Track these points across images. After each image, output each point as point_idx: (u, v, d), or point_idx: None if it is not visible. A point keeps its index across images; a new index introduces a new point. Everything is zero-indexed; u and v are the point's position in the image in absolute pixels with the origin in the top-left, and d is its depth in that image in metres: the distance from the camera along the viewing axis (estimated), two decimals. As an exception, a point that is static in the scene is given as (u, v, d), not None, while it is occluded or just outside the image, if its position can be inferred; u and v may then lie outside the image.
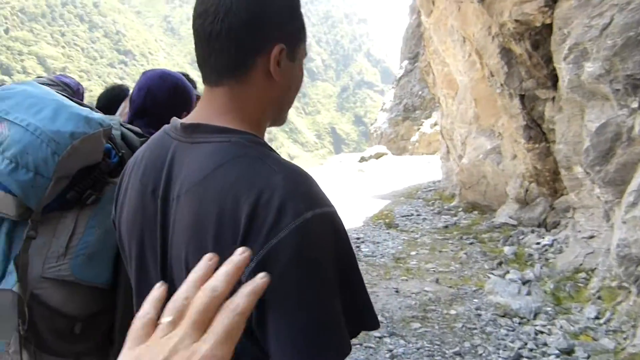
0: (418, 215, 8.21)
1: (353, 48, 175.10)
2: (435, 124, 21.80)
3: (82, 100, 1.75)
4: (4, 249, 1.30)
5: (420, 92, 26.47)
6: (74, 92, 1.74)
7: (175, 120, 0.93)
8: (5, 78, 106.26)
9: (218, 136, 0.84)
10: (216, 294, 0.43)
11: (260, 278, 0.45)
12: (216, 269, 0.45)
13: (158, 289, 0.48)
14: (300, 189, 0.77)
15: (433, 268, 5.22)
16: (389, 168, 16.94)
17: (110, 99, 2.40)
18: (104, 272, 1.34)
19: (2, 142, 1.27)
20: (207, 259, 0.47)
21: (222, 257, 0.47)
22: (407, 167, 16.45)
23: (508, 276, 4.60)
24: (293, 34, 0.92)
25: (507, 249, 5.43)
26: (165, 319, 0.44)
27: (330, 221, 0.76)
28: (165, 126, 0.96)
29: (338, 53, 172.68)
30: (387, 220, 7.97)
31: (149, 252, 0.88)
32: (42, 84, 1.55)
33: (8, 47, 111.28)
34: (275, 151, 0.86)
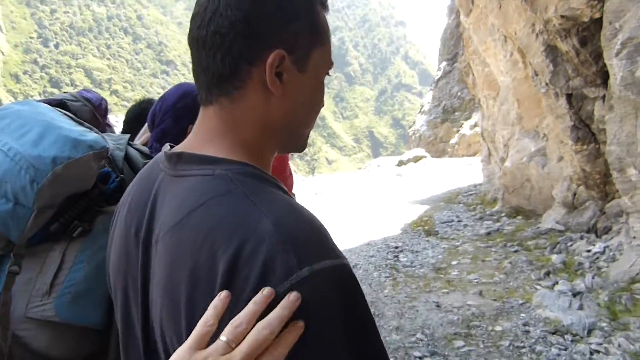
0: (459, 221, 7.92)
1: (390, 51, 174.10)
2: (476, 126, 21.29)
3: (104, 115, 1.66)
4: None
5: (459, 94, 25.98)
6: (96, 107, 1.62)
7: (165, 147, 0.81)
8: (54, 90, 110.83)
9: (201, 168, 0.71)
10: (269, 334, 0.47)
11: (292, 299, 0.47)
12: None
13: (222, 300, 0.49)
14: (296, 237, 0.60)
15: (476, 279, 4.96)
16: (427, 171, 16.61)
17: (138, 114, 2.35)
18: (94, 312, 1.17)
19: None
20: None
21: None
22: (446, 170, 16.08)
23: (557, 287, 4.30)
24: (299, 36, 0.75)
25: (555, 257, 5.11)
26: (224, 337, 0.48)
27: (336, 278, 0.59)
28: (159, 154, 0.83)
29: (375, 56, 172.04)
30: (426, 227, 7.73)
31: (133, 304, 0.75)
32: (64, 99, 1.48)
33: (57, 61, 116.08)
34: (275, 184, 0.72)
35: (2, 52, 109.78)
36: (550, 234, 5.99)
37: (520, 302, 4.20)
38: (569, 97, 5.39)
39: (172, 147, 0.81)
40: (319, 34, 0.77)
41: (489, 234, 6.79)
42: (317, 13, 0.76)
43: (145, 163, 1.28)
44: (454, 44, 27.56)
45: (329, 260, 0.59)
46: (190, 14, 0.74)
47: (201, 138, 0.76)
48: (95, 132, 1.27)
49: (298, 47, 0.74)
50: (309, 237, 0.61)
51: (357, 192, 13.51)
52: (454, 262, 5.65)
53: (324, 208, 10.20)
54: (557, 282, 4.44)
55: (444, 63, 28.57)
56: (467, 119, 24.57)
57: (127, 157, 1.37)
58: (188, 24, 0.75)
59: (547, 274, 4.74)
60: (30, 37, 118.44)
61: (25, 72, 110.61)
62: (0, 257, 1.18)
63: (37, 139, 1.16)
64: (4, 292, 1.14)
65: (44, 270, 1.17)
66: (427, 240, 6.91)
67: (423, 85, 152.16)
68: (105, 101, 1.71)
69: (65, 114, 1.31)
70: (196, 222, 0.63)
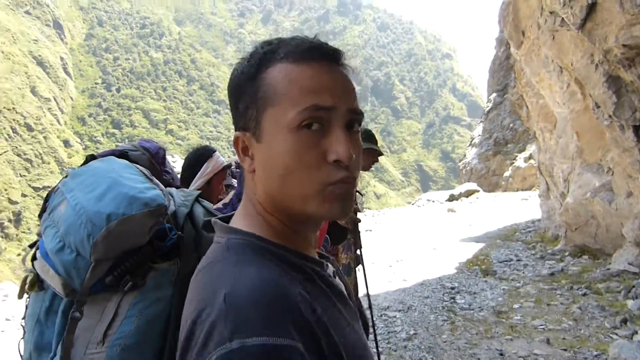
0: (518, 260, 7.53)
1: (437, 84, 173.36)
2: (530, 158, 20.57)
3: (162, 163, 1.74)
4: (59, 327, 1.26)
5: (511, 125, 25.31)
6: (153, 156, 1.71)
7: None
8: (116, 131, 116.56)
9: (220, 236, 0.80)
10: None
11: None
12: None
13: None
14: (239, 309, 0.64)
15: (542, 325, 4.62)
16: (481, 206, 16.08)
17: (194, 161, 2.56)
18: None
19: (59, 221, 1.26)
20: None
21: None
22: (501, 205, 15.52)
23: (637, 338, 3.93)
24: (248, 110, 0.78)
25: (631, 303, 4.70)
26: None
27: (262, 357, 0.60)
28: None
29: (422, 90, 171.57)
30: (483, 267, 7.37)
31: None
32: (125, 150, 1.57)
33: (119, 104, 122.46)
34: (274, 253, 0.76)
35: (71, 98, 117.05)
36: (623, 276, 5.56)
37: (595, 353, 3.85)
38: (636, 129, 5.08)
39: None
40: (266, 98, 0.76)
41: (552, 274, 6.39)
42: (262, 78, 0.77)
43: (206, 221, 1.25)
44: (504, 75, 27.08)
45: (263, 338, 0.60)
46: (240, 56, 0.76)
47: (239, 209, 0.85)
48: (160, 189, 1.32)
49: (250, 120, 0.77)
50: (253, 311, 0.63)
51: (408, 228, 13.19)
52: (515, 306, 5.32)
53: (376, 246, 9.97)
54: (636, 332, 4.06)
55: (494, 94, 28.05)
56: (520, 151, 23.82)
57: (191, 214, 1.38)
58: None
59: (624, 321, 4.35)
60: (96, 83, 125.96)
61: (90, 115, 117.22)
62: (69, 302, 1.25)
63: (101, 195, 1.23)
64: (68, 335, 1.20)
65: (102, 319, 1.22)
66: (485, 281, 6.58)
67: (472, 117, 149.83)
68: (163, 150, 1.79)
69: (140, 170, 1.38)
70: (195, 283, 0.74)
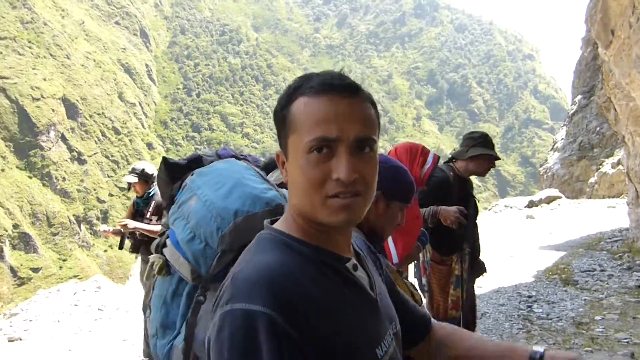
0: (602, 270, 7.15)
1: (518, 86, 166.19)
2: (619, 163, 19.30)
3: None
4: (183, 308, 1.42)
5: (598, 129, 23.87)
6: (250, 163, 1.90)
7: None
8: (195, 134, 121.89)
9: (262, 231, 1.03)
10: None
11: None
12: None
13: None
14: (235, 283, 0.86)
15: (626, 339, 4.39)
16: (563, 214, 15.31)
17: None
18: None
19: (189, 214, 1.43)
20: None
21: None
22: (584, 212, 14.69)
23: None
24: (281, 133, 0.97)
25: None
26: None
27: (238, 321, 0.81)
28: None
29: (501, 92, 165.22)
30: (563, 276, 7.07)
31: None
32: (201, 155, 1.71)
33: (198, 108, 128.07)
34: (289, 246, 0.95)
35: (155, 103, 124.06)
36: None
37: (684, 370, 3.63)
38: None
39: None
40: (291, 126, 0.94)
41: (640, 287, 6.03)
42: (289, 109, 0.95)
43: None
44: (591, 76, 25.56)
45: (244, 304, 0.82)
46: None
47: None
48: (276, 190, 1.48)
49: (282, 141, 0.97)
50: (244, 285, 0.85)
51: (484, 234, 12.80)
52: (597, 317, 5.08)
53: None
54: None
55: (579, 97, 26.57)
56: (608, 156, 22.40)
57: None
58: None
59: None
60: (177, 88, 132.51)
61: (172, 119, 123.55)
62: (193, 287, 1.42)
63: (227, 193, 1.41)
64: (192, 316, 1.38)
65: None
66: (565, 291, 6.32)
67: (555, 120, 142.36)
68: (235, 156, 1.92)
69: (257, 172, 1.57)
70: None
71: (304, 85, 0.93)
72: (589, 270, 7.22)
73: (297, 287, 0.86)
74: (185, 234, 1.41)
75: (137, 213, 4.95)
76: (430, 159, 2.87)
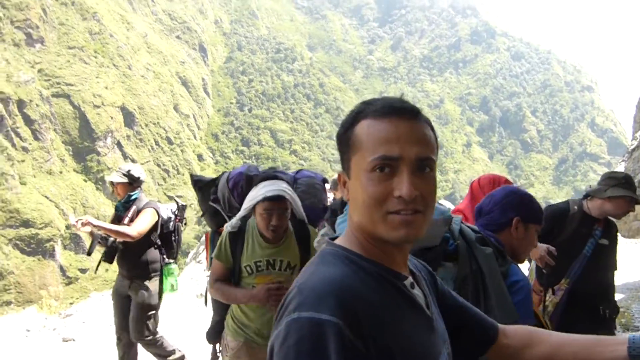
0: (666, 319, 6.73)
1: (574, 117, 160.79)
2: (684, 206, 18.28)
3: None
4: None
5: (660, 167, 22.81)
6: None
7: None
8: (244, 148, 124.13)
9: (325, 247, 1.07)
10: None
11: None
12: None
13: None
14: (301, 292, 0.89)
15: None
16: (620, 253, 14.55)
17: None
18: None
19: None
20: None
21: None
22: (644, 254, 13.93)
23: None
24: (344, 154, 1.03)
25: None
26: None
27: (305, 329, 0.82)
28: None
29: (556, 123, 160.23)
30: (623, 320, 6.69)
31: None
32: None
33: (249, 123, 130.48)
34: (350, 260, 0.98)
35: (208, 115, 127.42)
36: None
37: None
38: None
39: None
40: (354, 147, 0.99)
41: None
42: (353, 131, 1.00)
43: (477, 237, 1.83)
44: (655, 112, 24.53)
45: (312, 312, 0.84)
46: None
47: None
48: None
49: (345, 162, 1.02)
50: (311, 294, 0.87)
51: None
52: None
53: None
54: None
55: (642, 132, 25.48)
56: (670, 196, 21.29)
57: (462, 231, 1.77)
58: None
59: None
60: (230, 103, 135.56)
61: (223, 132, 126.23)
62: None
63: None
64: None
65: None
66: (626, 339, 5.96)
67: (612, 155, 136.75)
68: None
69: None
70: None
71: (367, 109, 0.99)
72: (652, 318, 6.81)
73: (361, 299, 0.89)
74: None
75: (116, 217, 4.56)
76: None
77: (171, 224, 4.89)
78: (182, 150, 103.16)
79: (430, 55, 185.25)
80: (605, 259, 3.61)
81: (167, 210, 4.90)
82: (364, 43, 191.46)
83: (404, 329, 0.94)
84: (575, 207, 3.49)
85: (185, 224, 5.06)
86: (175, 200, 5.09)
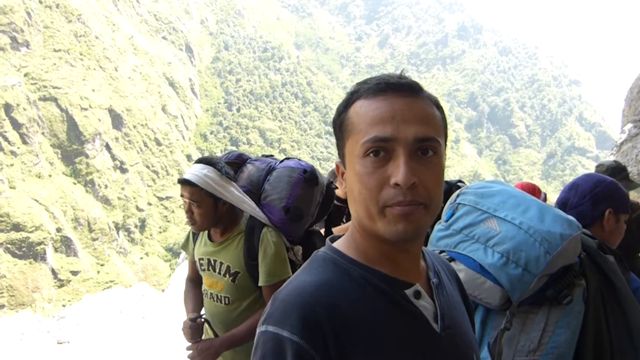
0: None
1: (562, 112, 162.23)
2: (671, 196, 18.52)
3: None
4: (479, 335, 1.40)
5: (648, 159, 23.06)
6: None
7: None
8: (233, 148, 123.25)
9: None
10: None
11: None
12: None
13: None
14: (273, 304, 0.84)
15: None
16: (610, 245, 14.73)
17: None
18: None
19: (493, 237, 1.36)
20: None
21: None
22: (635, 245, 14.08)
23: None
24: (338, 141, 0.91)
25: None
26: None
27: (267, 342, 0.79)
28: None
29: (544, 118, 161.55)
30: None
31: None
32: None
33: (238, 123, 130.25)
34: (336, 264, 0.89)
35: (196, 116, 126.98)
36: None
37: None
38: None
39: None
40: (347, 131, 0.87)
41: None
42: (346, 114, 0.88)
43: (597, 244, 1.62)
44: (642, 104, 24.77)
45: (277, 327, 0.79)
46: (354, 79, 1.15)
47: None
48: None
49: (340, 149, 0.91)
50: (279, 307, 0.82)
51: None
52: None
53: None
54: None
55: (630, 125, 25.64)
56: (658, 187, 21.56)
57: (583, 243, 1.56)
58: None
59: None
60: (218, 103, 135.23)
61: (211, 132, 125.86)
62: (488, 311, 1.42)
63: (540, 216, 1.37)
64: (498, 344, 1.32)
65: (526, 330, 1.36)
66: None
67: (601, 149, 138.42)
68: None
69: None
70: None
71: (362, 89, 0.87)
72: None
73: (333, 312, 0.80)
74: (496, 259, 1.34)
75: None
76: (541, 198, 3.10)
77: None
78: (171, 151, 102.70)
79: (417, 51, 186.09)
80: None
81: None
82: (351, 40, 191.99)
83: (390, 346, 0.83)
84: None
85: None
86: None
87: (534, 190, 3.05)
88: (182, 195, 2.27)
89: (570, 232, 1.35)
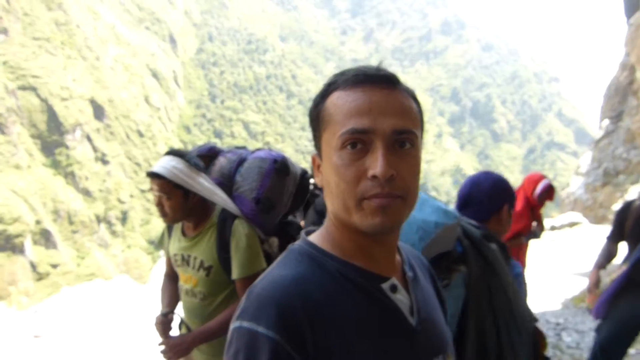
0: (633, 301, 6.96)
1: (542, 108, 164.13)
2: (647, 192, 18.93)
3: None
4: None
5: (624, 155, 23.43)
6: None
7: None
8: (217, 140, 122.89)
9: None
10: None
11: None
12: None
13: None
14: (247, 299, 0.82)
15: (662, 375, 4.27)
16: (586, 239, 14.97)
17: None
18: None
19: None
20: None
21: None
22: (610, 240, 14.35)
23: None
24: (315, 133, 0.90)
25: None
26: None
27: (241, 337, 0.78)
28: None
29: (525, 113, 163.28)
30: (591, 305, 6.90)
31: None
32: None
33: (222, 115, 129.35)
34: (312, 258, 0.88)
35: (179, 108, 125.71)
36: None
37: None
38: None
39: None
40: (324, 123, 0.87)
41: (674, 320, 5.85)
42: (323, 105, 0.88)
43: (481, 233, 1.73)
44: (619, 102, 25.15)
45: (251, 323, 0.78)
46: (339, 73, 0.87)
47: None
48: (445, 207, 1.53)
49: (316, 141, 0.91)
50: (254, 302, 0.81)
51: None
52: (632, 351, 4.94)
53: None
54: None
55: (607, 121, 26.15)
56: (633, 183, 21.99)
57: (464, 229, 1.68)
58: None
59: None
60: (202, 95, 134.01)
61: (195, 124, 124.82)
62: None
63: (420, 207, 1.45)
64: None
65: None
66: (594, 320, 6.16)
67: (579, 144, 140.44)
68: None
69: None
70: None
71: (338, 80, 0.87)
72: (619, 300, 7.04)
73: (309, 307, 0.80)
74: None
75: None
76: (540, 185, 3.89)
77: None
78: (153, 143, 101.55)
79: (401, 46, 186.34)
80: None
81: None
82: (336, 34, 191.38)
83: (366, 341, 0.83)
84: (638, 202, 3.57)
85: None
86: None
87: (539, 179, 3.75)
88: (151, 189, 2.25)
89: (446, 221, 1.42)
